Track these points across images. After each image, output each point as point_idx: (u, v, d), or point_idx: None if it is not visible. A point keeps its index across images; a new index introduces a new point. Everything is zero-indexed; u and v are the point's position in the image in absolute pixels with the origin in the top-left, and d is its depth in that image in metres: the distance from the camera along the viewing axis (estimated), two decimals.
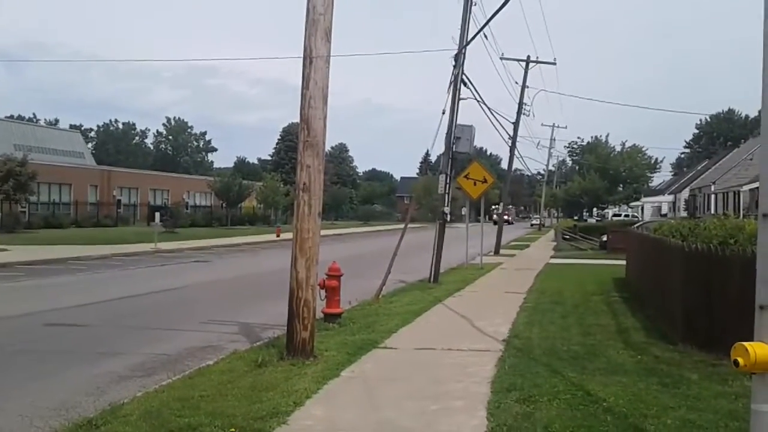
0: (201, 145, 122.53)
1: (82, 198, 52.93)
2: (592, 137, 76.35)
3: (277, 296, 11.12)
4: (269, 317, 11.51)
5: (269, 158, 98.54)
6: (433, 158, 73.94)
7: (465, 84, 19.02)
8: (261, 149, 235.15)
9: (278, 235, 40.70)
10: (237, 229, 53.40)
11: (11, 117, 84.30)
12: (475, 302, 13.85)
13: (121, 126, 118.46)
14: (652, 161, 73.42)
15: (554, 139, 68.24)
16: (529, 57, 34.61)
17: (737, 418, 5.52)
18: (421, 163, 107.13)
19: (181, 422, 5.62)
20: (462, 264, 22.61)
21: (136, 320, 12.19)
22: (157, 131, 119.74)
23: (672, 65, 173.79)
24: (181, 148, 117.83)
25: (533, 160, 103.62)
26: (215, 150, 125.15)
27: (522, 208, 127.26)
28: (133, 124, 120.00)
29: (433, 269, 17.80)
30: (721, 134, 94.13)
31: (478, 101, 21.94)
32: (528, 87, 35.10)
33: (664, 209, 74.80)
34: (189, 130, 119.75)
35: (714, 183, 53.31)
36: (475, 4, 18.92)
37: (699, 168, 72.97)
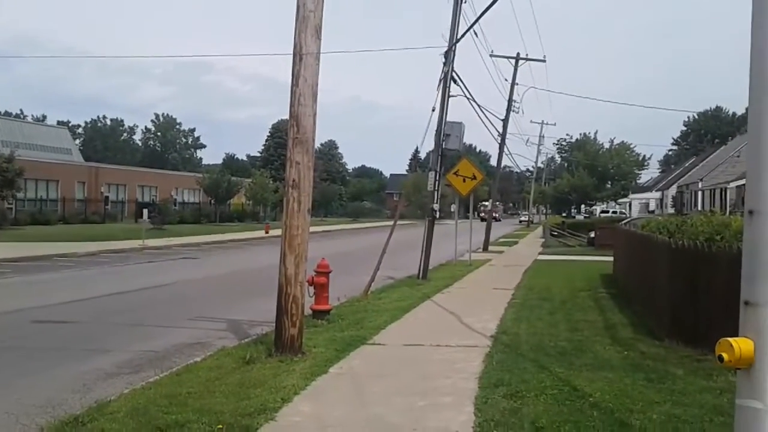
0: (189, 142, 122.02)
1: (69, 195, 52.62)
2: (580, 134, 76.81)
3: (266, 293, 11.10)
4: (258, 314, 11.49)
5: (258, 155, 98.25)
6: (422, 155, 74.00)
7: (455, 81, 19.04)
8: (250, 146, 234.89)
9: (267, 232, 40.60)
10: (226, 225, 53.20)
11: None
12: (464, 298, 13.88)
13: (109, 122, 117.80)
14: (640, 158, 73.90)
15: (543, 136, 68.61)
16: (518, 54, 34.74)
17: (722, 412, 5.56)
18: (411, 160, 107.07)
19: (168, 419, 5.60)
20: (451, 260, 22.65)
21: (123, 317, 12.13)
22: (146, 128, 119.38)
23: (661, 63, 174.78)
24: (170, 145, 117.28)
25: (522, 157, 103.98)
26: (204, 146, 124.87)
27: (511, 204, 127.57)
28: (121, 121, 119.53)
29: (421, 266, 17.82)
30: (708, 131, 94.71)
31: (467, 98, 21.99)
32: (517, 84, 35.22)
33: (652, 206, 75.19)
34: (177, 126, 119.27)
35: (701, 180, 53.64)
36: (465, 2, 18.95)
37: (686, 165, 73.40)
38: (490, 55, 32.94)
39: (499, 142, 33.75)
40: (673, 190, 68.49)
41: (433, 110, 18.11)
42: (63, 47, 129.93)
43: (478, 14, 19.05)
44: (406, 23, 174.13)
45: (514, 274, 18.99)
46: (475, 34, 23.66)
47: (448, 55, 18.46)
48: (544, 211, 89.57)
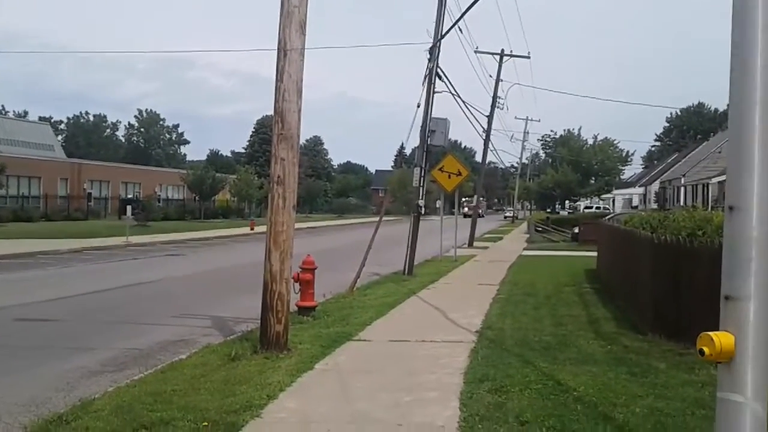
0: (173, 138, 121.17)
1: (52, 191, 52.11)
2: (565, 130, 76.82)
3: (251, 290, 11.07)
4: (243, 311, 11.47)
5: (243, 151, 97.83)
6: (408, 151, 74.11)
7: (440, 77, 19.06)
8: (234, 142, 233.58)
9: (252, 228, 40.48)
10: (210, 222, 52.95)
11: None
12: (449, 294, 13.92)
13: (91, 118, 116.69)
14: (624, 154, 74.17)
15: (528, 132, 68.92)
16: (503, 51, 34.84)
17: (704, 405, 5.63)
18: (396, 156, 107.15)
19: (153, 417, 5.58)
20: (436, 256, 22.69)
21: (107, 315, 12.06)
22: (129, 123, 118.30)
23: (644, 60, 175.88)
24: (153, 141, 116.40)
25: (507, 153, 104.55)
26: (188, 143, 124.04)
27: (496, 200, 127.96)
28: (104, 117, 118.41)
29: (407, 262, 17.85)
30: (691, 127, 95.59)
31: (452, 94, 22.02)
32: (502, 80, 35.33)
33: (635, 201, 75.84)
34: (161, 122, 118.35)
35: (684, 175, 54.16)
36: None
37: (669, 161, 74.08)
38: (475, 52, 32.96)
39: (484, 138, 33.87)
40: (656, 186, 69.12)
41: (418, 106, 18.13)
42: (44, 43, 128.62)
43: (463, 10, 19.06)
44: (391, 19, 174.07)
45: (499, 269, 19.07)
46: (460, 30, 23.73)
47: (433, 52, 18.47)
48: (529, 206, 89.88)
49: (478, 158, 51.64)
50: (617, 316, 10.62)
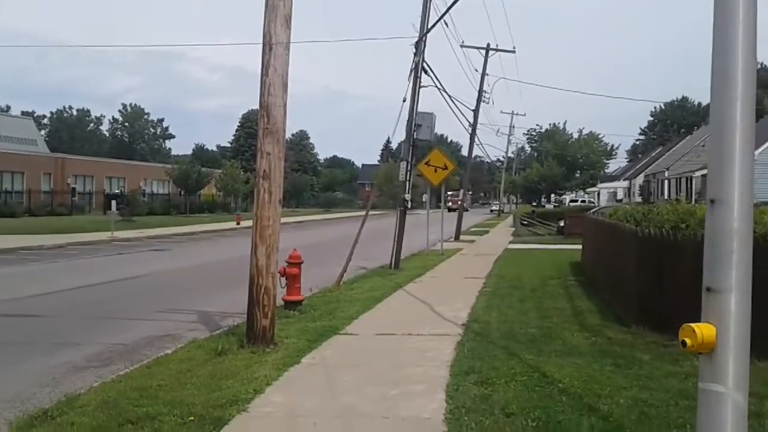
0: (158, 132, 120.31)
1: (35, 186, 51.60)
2: (550, 124, 77.25)
3: (238, 284, 11.04)
4: (229, 305, 11.44)
5: (228, 145, 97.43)
6: (394, 145, 74.03)
7: (426, 72, 19.07)
8: (220, 136, 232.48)
9: (238, 223, 40.34)
10: (196, 217, 52.71)
11: None
12: (436, 288, 13.97)
13: (75, 112, 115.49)
14: (609, 148, 74.68)
15: (513, 127, 69.16)
16: (488, 45, 34.79)
17: (687, 396, 5.69)
18: (383, 150, 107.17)
19: (139, 412, 5.57)
20: (423, 250, 22.74)
21: (92, 310, 11.98)
22: (113, 118, 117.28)
23: (628, 54, 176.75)
24: (138, 135, 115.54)
25: (493, 147, 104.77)
26: (173, 137, 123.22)
27: (482, 194, 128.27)
28: (88, 111, 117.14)
29: (394, 255, 17.87)
30: (674, 121, 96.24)
31: (438, 89, 22.06)
32: (488, 75, 35.30)
33: (620, 195, 76.33)
34: (146, 116, 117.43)
35: (667, 169, 54.55)
36: None
37: (653, 154, 74.57)
38: (461, 46, 33.02)
39: (470, 132, 33.92)
40: (640, 179, 69.58)
41: (404, 101, 18.16)
42: (28, 36, 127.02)
43: (449, 4, 19.08)
44: (377, 12, 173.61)
45: (485, 263, 19.15)
46: (446, 24, 23.71)
47: (419, 46, 18.47)
48: (515, 200, 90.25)
49: (465, 152, 51.72)
50: (602, 309, 10.70)
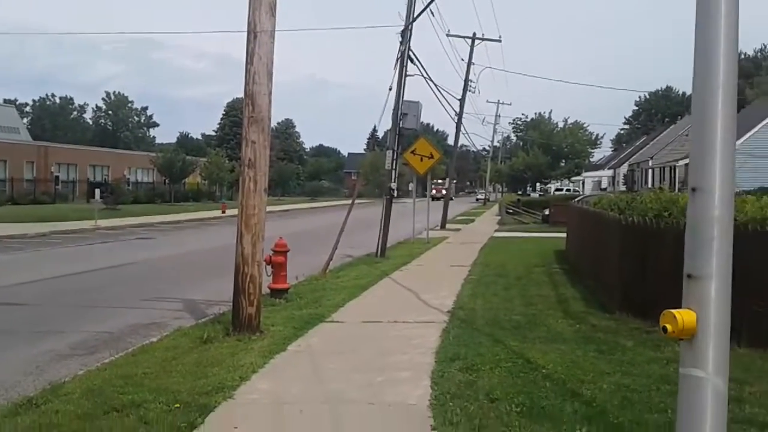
0: (142, 121, 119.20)
1: (18, 174, 51.02)
2: (535, 114, 77.26)
3: (223, 273, 11.02)
4: (215, 294, 11.42)
5: (213, 134, 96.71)
6: (380, 134, 73.95)
7: (412, 60, 19.04)
8: (205, 124, 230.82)
9: (224, 212, 40.19)
10: (181, 205, 52.36)
11: None
12: (422, 276, 14.02)
13: (58, 100, 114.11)
14: (593, 137, 74.88)
15: (499, 116, 69.36)
16: (474, 34, 34.76)
17: (669, 381, 5.77)
18: (369, 139, 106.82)
19: (124, 399, 5.56)
20: (409, 238, 22.78)
21: (77, 298, 11.92)
22: (96, 106, 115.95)
23: (614, 44, 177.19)
24: (122, 123, 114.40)
25: (479, 136, 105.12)
26: (157, 125, 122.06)
27: (468, 183, 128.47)
28: (71, 99, 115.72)
29: (380, 244, 17.90)
30: (659, 111, 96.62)
31: (424, 78, 22.00)
32: (474, 64, 35.27)
33: (604, 184, 76.78)
34: (129, 104, 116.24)
35: (651, 158, 54.90)
36: None
37: (637, 144, 74.96)
38: (447, 35, 32.99)
39: (456, 121, 33.94)
40: (624, 169, 69.99)
41: (390, 89, 18.11)
42: (8, 24, 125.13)
43: None
44: (363, 0, 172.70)
45: (470, 251, 19.23)
46: (432, 13, 23.68)
47: (405, 34, 18.42)
48: (500, 189, 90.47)
49: (451, 141, 51.84)
50: (586, 296, 10.80)
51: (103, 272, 15.60)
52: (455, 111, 32.94)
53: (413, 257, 17.52)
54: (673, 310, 3.13)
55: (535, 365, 6.48)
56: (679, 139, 50.35)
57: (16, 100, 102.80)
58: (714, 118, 3.07)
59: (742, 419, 4.95)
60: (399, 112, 18.37)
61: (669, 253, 7.95)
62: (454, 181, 78.02)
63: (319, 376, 6.42)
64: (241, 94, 8.34)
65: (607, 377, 6.10)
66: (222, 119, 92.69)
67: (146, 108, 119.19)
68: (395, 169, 18.88)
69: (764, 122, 33.71)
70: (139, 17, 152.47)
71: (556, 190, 73.62)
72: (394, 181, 18.85)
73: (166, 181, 60.20)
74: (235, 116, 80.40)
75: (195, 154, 69.45)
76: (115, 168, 62.59)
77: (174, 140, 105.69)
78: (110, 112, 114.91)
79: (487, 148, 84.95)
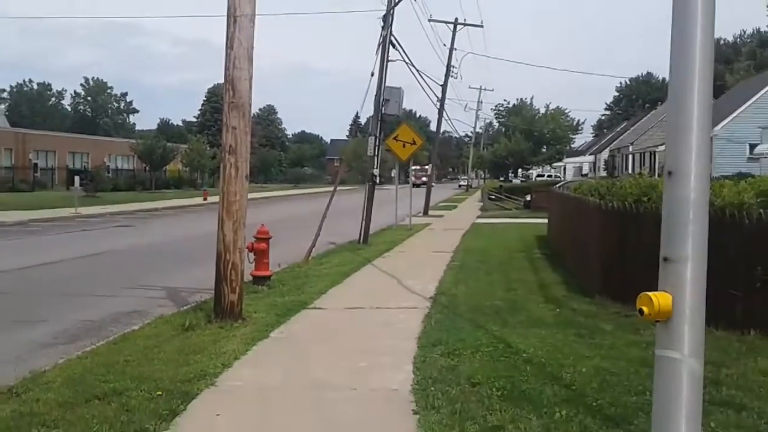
0: (122, 107, 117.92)
1: None
2: (517, 100, 77.57)
3: (205, 260, 10.96)
4: (197, 281, 11.37)
5: (194, 120, 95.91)
6: (363, 121, 73.65)
7: (393, 46, 18.96)
8: (185, 111, 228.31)
9: (205, 199, 39.98)
10: (162, 193, 52.00)
11: None
12: (404, 262, 14.06)
13: (35, 86, 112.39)
14: (575, 123, 75.44)
15: (481, 102, 69.26)
16: (456, 19, 34.72)
17: (648, 364, 5.82)
18: (351, 125, 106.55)
19: (105, 387, 5.54)
20: (391, 225, 22.82)
21: (57, 287, 11.82)
22: (75, 92, 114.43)
23: (595, 30, 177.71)
24: (101, 110, 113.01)
25: (461, 123, 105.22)
26: (137, 111, 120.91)
27: (451, 169, 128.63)
28: (49, 85, 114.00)
29: (362, 231, 17.90)
30: (639, 97, 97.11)
31: (406, 63, 21.92)
32: (456, 50, 35.27)
33: (585, 169, 77.11)
34: (109, 90, 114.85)
35: (632, 144, 55.24)
36: None
37: (618, 129, 75.36)
38: (429, 20, 32.85)
39: (439, 107, 33.93)
40: (605, 154, 70.38)
41: (372, 75, 18.06)
42: None
43: None
44: None
45: (453, 237, 19.30)
46: None
47: (387, 19, 18.33)
48: (483, 175, 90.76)
49: (433, 127, 51.80)
50: (567, 281, 10.89)
51: (84, 260, 15.48)
52: (437, 97, 32.95)
53: (396, 244, 17.55)
54: (649, 293, 3.18)
55: (516, 349, 6.55)
56: (659, 124, 50.66)
57: None
58: (690, 102, 3.11)
59: (719, 401, 5.03)
60: (381, 98, 18.32)
61: (648, 237, 8.00)
62: (435, 168, 78.13)
63: (301, 363, 6.44)
64: (221, 80, 8.28)
65: (587, 360, 6.17)
66: (203, 105, 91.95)
67: (126, 94, 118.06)
68: (377, 156, 18.86)
69: (743, 107, 34.01)
70: (117, 1, 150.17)
71: (538, 176, 73.95)
72: (377, 168, 18.83)
73: (147, 168, 59.65)
74: (216, 102, 79.75)
75: (176, 140, 68.85)
76: (95, 155, 61.89)
77: (154, 127, 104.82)
78: (89, 98, 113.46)
79: (470, 134, 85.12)
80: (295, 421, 5.01)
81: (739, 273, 7.28)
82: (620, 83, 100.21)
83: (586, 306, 8.76)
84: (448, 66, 34.64)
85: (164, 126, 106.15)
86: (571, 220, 12.69)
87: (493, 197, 41.49)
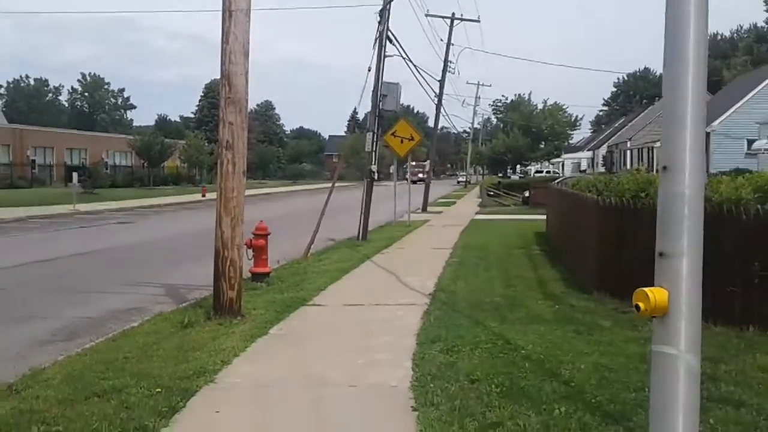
0: (119, 102, 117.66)
1: None
2: (515, 95, 77.37)
3: (204, 257, 10.97)
4: (195, 278, 11.37)
5: (192, 116, 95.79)
6: (360, 116, 73.69)
7: (391, 41, 18.94)
8: (183, 107, 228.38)
9: (204, 195, 39.95)
10: (160, 189, 51.99)
11: None
12: (403, 259, 14.06)
13: (32, 82, 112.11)
14: (573, 119, 75.24)
15: (479, 97, 69.27)
16: (453, 14, 34.72)
17: (646, 360, 5.82)
18: (349, 121, 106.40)
19: (105, 384, 5.55)
20: (390, 221, 22.81)
21: (56, 284, 11.83)
22: (72, 88, 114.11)
23: (592, 25, 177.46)
24: (98, 106, 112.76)
25: (459, 118, 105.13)
26: (134, 107, 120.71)
27: (449, 165, 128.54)
28: (46, 81, 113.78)
29: (361, 227, 17.90)
30: (637, 92, 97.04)
31: (404, 58, 21.91)
32: (453, 45, 35.28)
33: (584, 165, 77.15)
34: (106, 86, 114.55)
35: (630, 139, 55.24)
36: None
37: (616, 125, 75.29)
38: (426, 15, 32.90)
39: (436, 102, 33.94)
40: (603, 150, 70.36)
41: (370, 70, 18.04)
42: None
43: None
44: None
45: (451, 233, 19.30)
46: None
47: (384, 14, 18.30)
48: (481, 171, 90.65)
49: (431, 123, 51.79)
50: (565, 277, 10.91)
51: (83, 257, 15.47)
52: (435, 92, 32.95)
53: (395, 240, 17.56)
54: (645, 289, 3.18)
55: (515, 346, 6.56)
56: (656, 120, 50.61)
57: None
58: (684, 97, 3.11)
59: (717, 398, 5.04)
60: (378, 94, 18.31)
61: (645, 232, 7.98)
62: (431, 163, 78.02)
63: (300, 360, 6.45)
64: (219, 76, 8.26)
65: (586, 357, 6.18)
66: (201, 101, 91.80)
67: (123, 90, 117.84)
68: (376, 152, 18.84)
69: (740, 103, 34.00)
70: None
71: (536, 172, 73.85)
72: (375, 164, 18.82)
73: (145, 164, 59.58)
74: (213, 98, 79.50)
75: (174, 136, 68.82)
76: (93, 151, 61.82)
77: (152, 123, 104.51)
78: (86, 94, 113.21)
79: (468, 130, 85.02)
80: (294, 417, 5.03)
81: (737, 269, 7.29)
82: (618, 79, 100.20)
83: (584, 302, 8.77)
84: (446, 61, 34.67)
85: (162, 122, 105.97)
86: (569, 216, 12.70)
87: (492, 193, 41.48)
